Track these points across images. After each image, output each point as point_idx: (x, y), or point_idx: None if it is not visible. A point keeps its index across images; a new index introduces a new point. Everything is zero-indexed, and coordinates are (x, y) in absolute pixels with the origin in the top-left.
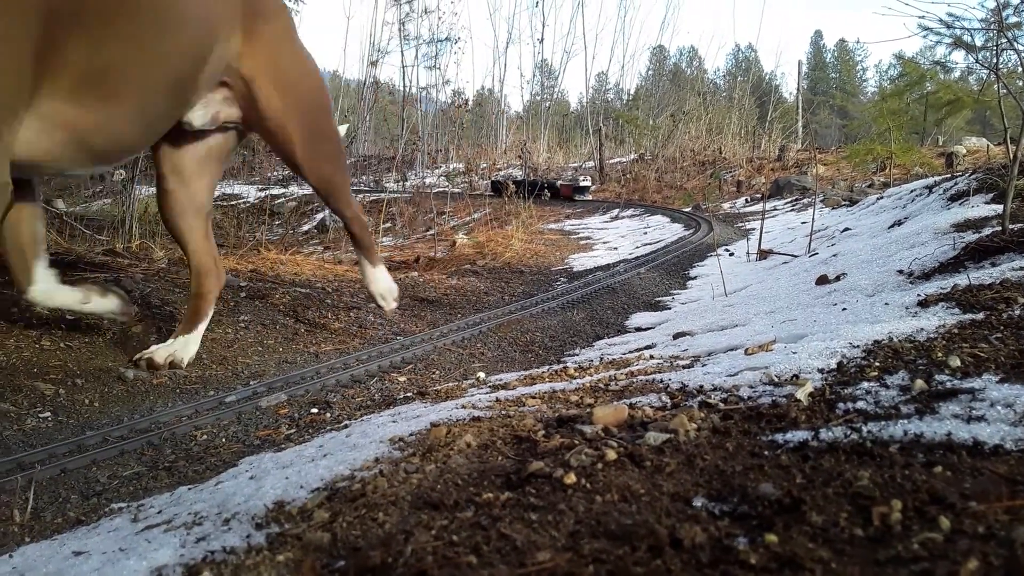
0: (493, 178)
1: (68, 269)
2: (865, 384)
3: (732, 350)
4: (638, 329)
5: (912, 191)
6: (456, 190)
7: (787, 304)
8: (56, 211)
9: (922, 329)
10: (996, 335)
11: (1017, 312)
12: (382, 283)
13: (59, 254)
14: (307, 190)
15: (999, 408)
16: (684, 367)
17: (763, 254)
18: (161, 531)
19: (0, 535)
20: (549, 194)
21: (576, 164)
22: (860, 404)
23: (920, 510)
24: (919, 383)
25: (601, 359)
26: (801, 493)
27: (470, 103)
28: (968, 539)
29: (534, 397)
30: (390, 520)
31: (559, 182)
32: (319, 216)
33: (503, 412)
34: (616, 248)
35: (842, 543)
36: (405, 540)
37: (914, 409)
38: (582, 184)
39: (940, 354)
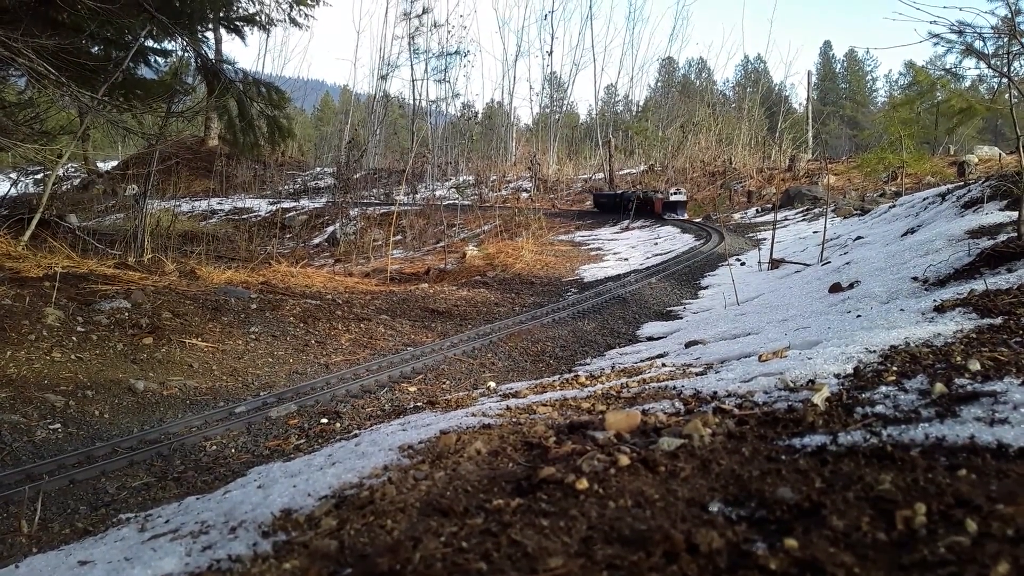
0: (596, 192)
1: (79, 281)
2: (883, 388)
3: (745, 357)
4: (649, 338)
5: (925, 199)
6: (466, 202)
7: (800, 312)
8: (69, 226)
9: (939, 334)
10: (1016, 339)
11: None
12: None
13: (71, 267)
14: (318, 203)
15: (1023, 411)
16: (697, 374)
17: (775, 263)
18: (167, 540)
19: (8, 546)
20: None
21: (586, 176)
22: (879, 408)
23: (945, 513)
24: (939, 387)
25: (612, 367)
26: (821, 497)
27: (479, 116)
28: (997, 542)
29: (545, 405)
30: (398, 527)
31: (657, 195)
32: (330, 229)
33: (514, 419)
34: (627, 259)
35: (865, 547)
36: (414, 547)
37: (934, 412)
38: (673, 198)
39: (959, 358)
